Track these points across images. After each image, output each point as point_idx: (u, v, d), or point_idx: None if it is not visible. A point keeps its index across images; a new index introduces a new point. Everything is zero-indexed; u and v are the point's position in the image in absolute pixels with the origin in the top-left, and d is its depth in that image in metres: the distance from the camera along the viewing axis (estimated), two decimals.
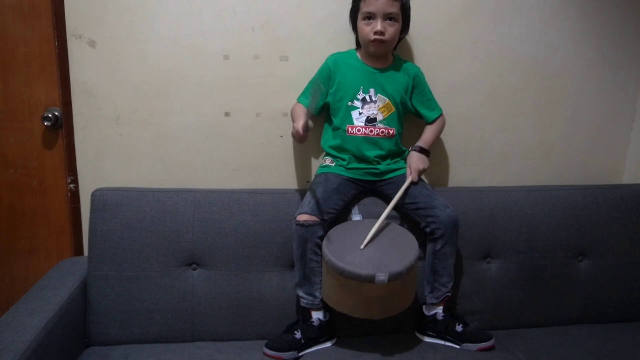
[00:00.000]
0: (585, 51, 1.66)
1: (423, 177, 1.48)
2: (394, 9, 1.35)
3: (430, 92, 1.52)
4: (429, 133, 1.52)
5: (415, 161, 1.44)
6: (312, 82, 1.47)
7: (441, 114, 1.54)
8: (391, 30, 1.36)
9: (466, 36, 1.58)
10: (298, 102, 1.49)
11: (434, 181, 1.68)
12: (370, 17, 1.36)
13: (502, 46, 1.61)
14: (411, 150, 1.48)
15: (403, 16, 1.39)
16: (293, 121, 1.42)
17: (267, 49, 1.51)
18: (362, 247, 1.26)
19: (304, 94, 1.49)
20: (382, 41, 1.36)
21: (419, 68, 1.51)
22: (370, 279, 1.17)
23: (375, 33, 1.35)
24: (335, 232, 1.35)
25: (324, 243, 1.29)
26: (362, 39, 1.41)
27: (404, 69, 1.47)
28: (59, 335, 1.18)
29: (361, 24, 1.39)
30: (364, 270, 1.18)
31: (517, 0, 1.57)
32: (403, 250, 1.27)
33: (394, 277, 1.18)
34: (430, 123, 1.53)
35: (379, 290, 1.20)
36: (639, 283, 1.56)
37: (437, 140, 1.64)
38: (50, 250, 1.65)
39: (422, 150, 1.47)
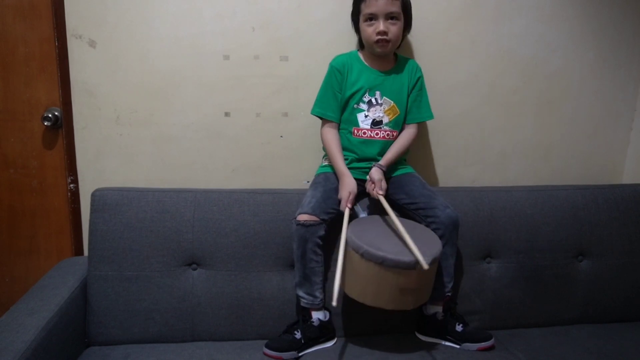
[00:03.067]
0: (585, 51, 1.66)
1: (423, 177, 1.48)
2: (395, 7, 1.35)
3: (426, 95, 1.48)
4: (392, 152, 1.42)
5: (378, 176, 1.36)
6: (323, 89, 1.44)
7: (416, 125, 1.47)
8: (394, 29, 1.36)
9: (466, 36, 1.58)
10: (324, 120, 1.43)
11: (434, 181, 1.69)
12: (372, 18, 1.36)
13: (502, 46, 1.61)
14: (374, 165, 1.40)
15: (405, 14, 1.39)
16: (330, 154, 1.41)
17: (267, 49, 1.51)
18: (411, 245, 1.21)
19: (319, 105, 1.43)
20: (386, 41, 1.36)
21: (420, 68, 1.48)
22: (412, 266, 1.16)
23: (379, 33, 1.35)
24: (355, 227, 1.30)
25: (353, 238, 1.23)
26: (366, 41, 1.41)
27: (408, 69, 1.46)
28: (59, 335, 1.18)
29: (363, 25, 1.39)
30: (406, 257, 1.17)
31: (517, 0, 1.58)
32: (426, 238, 1.27)
33: (433, 262, 1.19)
34: (402, 130, 1.46)
35: (417, 277, 1.19)
36: (639, 283, 1.56)
37: (437, 140, 1.65)
38: (50, 250, 1.65)
39: (380, 167, 1.39)
